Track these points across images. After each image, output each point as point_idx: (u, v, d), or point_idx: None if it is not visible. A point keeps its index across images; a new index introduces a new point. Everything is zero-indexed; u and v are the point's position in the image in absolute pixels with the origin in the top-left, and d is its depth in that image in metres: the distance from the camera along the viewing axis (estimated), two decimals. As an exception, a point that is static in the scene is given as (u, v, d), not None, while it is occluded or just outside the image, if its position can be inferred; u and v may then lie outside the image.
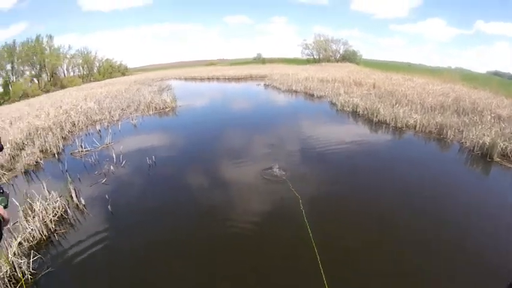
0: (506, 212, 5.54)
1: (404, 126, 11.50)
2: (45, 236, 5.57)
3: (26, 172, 9.43)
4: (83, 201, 6.65)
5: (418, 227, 5.15)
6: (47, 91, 44.22)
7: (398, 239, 4.89)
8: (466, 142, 9.45)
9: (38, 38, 51.85)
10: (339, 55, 64.79)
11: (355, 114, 14.08)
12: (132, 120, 15.06)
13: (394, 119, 11.94)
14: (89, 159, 9.61)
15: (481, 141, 8.81)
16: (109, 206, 6.38)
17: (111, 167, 8.64)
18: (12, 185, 8.52)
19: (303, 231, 4.98)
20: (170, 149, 10.43)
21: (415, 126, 11.26)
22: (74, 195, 6.78)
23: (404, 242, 4.79)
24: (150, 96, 20.41)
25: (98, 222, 5.94)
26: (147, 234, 5.50)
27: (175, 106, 18.02)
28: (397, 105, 13.47)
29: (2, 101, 39.96)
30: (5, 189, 1.85)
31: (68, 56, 58.14)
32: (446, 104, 13.19)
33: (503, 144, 8.56)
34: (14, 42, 48.74)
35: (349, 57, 61.39)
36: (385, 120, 12.19)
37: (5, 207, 1.77)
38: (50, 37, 53.81)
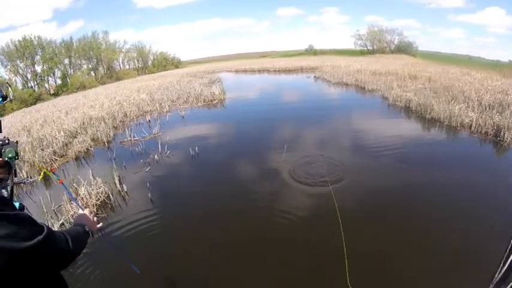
0: None
1: (458, 125, 10.26)
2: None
3: (76, 158, 9.75)
4: (125, 188, 6.69)
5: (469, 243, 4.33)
6: (103, 83, 46.18)
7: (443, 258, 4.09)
8: (526, 147, 8.30)
9: (93, 34, 54.76)
10: (393, 46, 62.23)
11: (407, 109, 13.00)
12: (181, 111, 15.13)
13: (448, 117, 10.76)
14: (136, 148, 9.73)
15: (542, 146, 7.75)
16: (149, 194, 6.35)
17: (156, 156, 8.70)
18: (63, 170, 8.79)
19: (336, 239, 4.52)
20: (214, 140, 10.31)
21: (471, 125, 9.96)
22: (117, 181, 6.84)
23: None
24: (200, 89, 20.52)
25: (137, 209, 5.94)
26: (184, 223, 5.43)
27: (223, 98, 17.92)
28: (453, 101, 12.19)
29: (60, 92, 42.18)
30: (11, 140, 1.88)
31: (123, 50, 60.63)
32: (505, 102, 11.54)
33: None
34: (71, 38, 51.60)
35: (405, 48, 58.72)
36: (439, 117, 11.00)
37: (15, 158, 1.82)
38: (106, 33, 56.63)
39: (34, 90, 41.65)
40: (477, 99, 12.00)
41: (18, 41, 42.95)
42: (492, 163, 7.57)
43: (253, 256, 4.40)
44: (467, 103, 11.72)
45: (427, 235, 4.51)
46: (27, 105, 33.04)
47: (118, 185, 6.79)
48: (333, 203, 5.34)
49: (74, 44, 50.81)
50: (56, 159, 9.64)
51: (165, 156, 8.88)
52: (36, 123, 15.22)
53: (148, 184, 6.69)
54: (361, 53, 61.77)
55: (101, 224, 2.01)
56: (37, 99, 36.51)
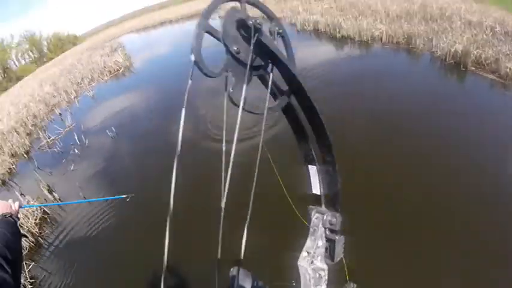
0: (489, 123, 5.18)
1: (369, 39, 10.48)
2: (32, 242, 5.69)
3: (2, 183, 9.37)
4: (57, 196, 6.74)
5: (397, 147, 4.97)
6: (5, 89, 42.54)
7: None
8: (437, 51, 8.43)
9: None
10: None
11: (317, 32, 13.15)
12: (89, 92, 14.67)
13: (358, 33, 10.92)
14: (55, 149, 9.55)
15: (452, 50, 7.86)
16: (80, 193, 6.42)
17: (76, 150, 8.64)
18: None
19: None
20: (129, 114, 10.24)
21: (381, 37, 10.26)
22: (46, 193, 6.86)
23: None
24: (102, 60, 19.61)
25: (75, 213, 6.05)
26: (120, 212, 5.55)
27: (129, 64, 17.40)
28: (360, 17, 12.32)
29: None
30: None
31: (13, 46, 55.41)
32: (412, 11, 11.77)
33: (477, 52, 7.52)
34: None
35: None
36: (349, 34, 11.19)
37: None
38: None
39: None
40: (384, 11, 12.12)
41: None
42: (408, 70, 8.12)
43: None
44: (375, 16, 11.87)
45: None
46: None
47: (49, 196, 6.79)
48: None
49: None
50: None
51: (85, 147, 8.81)
52: None
53: (77, 183, 6.77)
54: None
55: (17, 202, 1.75)
56: None
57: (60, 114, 13.28)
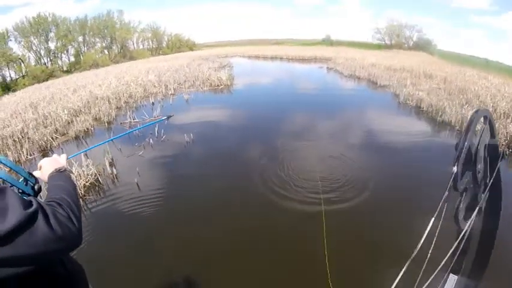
0: None
1: None
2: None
3: (76, 137, 9.90)
4: (115, 171, 6.76)
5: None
6: (116, 62, 46.20)
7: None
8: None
9: (108, 12, 54.39)
10: (412, 42, 60.76)
11: (418, 110, 12.32)
12: (185, 95, 15.16)
13: (460, 121, 10.07)
14: (134, 131, 9.73)
15: None
16: (136, 180, 6.37)
17: (151, 140, 8.72)
18: (62, 148, 8.91)
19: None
20: (212, 127, 10.28)
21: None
22: (107, 164, 6.89)
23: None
24: (208, 73, 20.39)
25: (123, 193, 6.01)
26: (166, 214, 5.39)
27: (230, 84, 17.78)
28: (466, 105, 11.47)
29: (73, 69, 42.47)
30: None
31: (138, 30, 60.40)
32: None
33: None
34: (85, 16, 51.65)
35: (423, 45, 56.59)
36: (450, 121, 10.37)
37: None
38: (121, 12, 56.24)
39: (47, 67, 41.95)
40: (492, 106, 11.29)
41: (33, 17, 42.96)
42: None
43: (243, 252, 4.39)
44: (482, 108, 10.98)
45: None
46: (39, 81, 33.27)
47: (108, 168, 6.84)
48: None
49: (89, 22, 50.83)
50: (56, 137, 9.75)
51: (160, 140, 8.91)
52: (43, 101, 15.40)
53: (137, 169, 6.77)
54: (379, 47, 59.93)
55: (63, 155, 1.68)
56: (49, 75, 36.74)
57: (153, 103, 13.75)
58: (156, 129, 9.28)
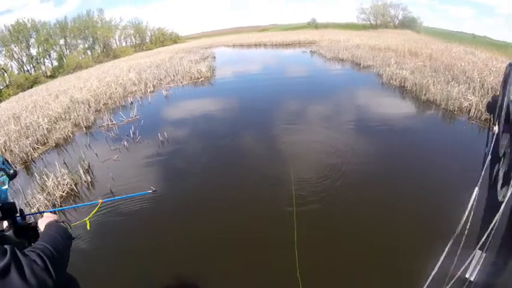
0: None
1: (456, 109, 9.29)
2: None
3: (56, 146, 9.99)
4: (89, 179, 6.93)
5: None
6: (100, 62, 45.96)
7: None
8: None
9: (88, 12, 54.35)
10: (397, 21, 60.60)
11: (402, 89, 12.18)
12: (165, 91, 15.25)
13: (445, 100, 9.81)
14: (111, 133, 9.89)
15: None
16: (109, 185, 6.50)
17: (125, 143, 8.81)
18: (42, 159, 9.07)
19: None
20: (188, 124, 10.29)
21: (469, 110, 9.01)
22: (81, 172, 7.02)
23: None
24: (188, 66, 20.47)
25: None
26: (137, 219, 5.40)
27: (210, 76, 17.86)
28: (452, 81, 11.25)
29: (57, 74, 42.35)
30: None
31: (119, 28, 60.09)
32: None
33: None
34: (65, 18, 51.60)
35: (409, 24, 56.27)
36: (435, 99, 10.16)
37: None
38: (101, 10, 56.34)
39: (30, 74, 41.81)
40: (479, 81, 11.03)
41: (11, 25, 42.84)
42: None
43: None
44: (468, 84, 10.82)
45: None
46: (23, 89, 33.22)
47: (83, 176, 6.97)
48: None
49: (69, 24, 50.58)
50: (38, 147, 9.89)
51: (135, 142, 9.00)
52: (26, 110, 15.43)
53: (111, 174, 6.92)
54: (364, 27, 59.63)
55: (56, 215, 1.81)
56: (34, 82, 36.61)
57: (131, 103, 13.79)
58: (132, 130, 9.44)
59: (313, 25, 70.15)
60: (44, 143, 10.27)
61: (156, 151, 8.20)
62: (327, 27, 61.63)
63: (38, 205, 5.92)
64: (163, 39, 67.27)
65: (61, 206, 6.06)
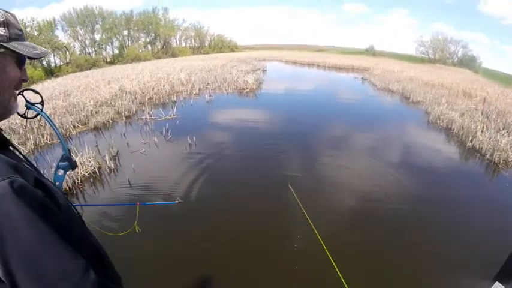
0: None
1: (502, 162, 8.31)
2: (68, 187, 6.11)
3: (95, 128, 10.41)
4: (113, 165, 7.16)
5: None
6: (158, 57, 47.84)
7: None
8: None
9: (154, 9, 56.84)
10: (456, 58, 59.00)
11: (448, 131, 11.33)
12: (208, 96, 15.53)
13: (491, 150, 8.82)
14: (147, 127, 10.24)
15: None
16: (127, 176, 6.68)
17: (156, 139, 9.03)
18: (79, 137, 9.47)
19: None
20: (219, 132, 10.30)
21: None
22: (107, 159, 7.25)
23: None
24: (237, 75, 20.80)
25: (115, 188, 6.34)
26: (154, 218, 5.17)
27: (256, 88, 17.99)
28: (503, 131, 10.33)
29: (116, 61, 44.25)
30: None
31: (181, 28, 62.28)
32: None
33: None
34: (131, 11, 54.54)
35: (467, 62, 54.62)
36: (481, 148, 9.25)
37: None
38: (166, 9, 58.87)
39: (91, 56, 44.03)
40: None
41: (80, 9, 45.64)
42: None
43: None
44: None
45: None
46: (82, 70, 35.03)
47: (108, 162, 7.20)
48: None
49: (134, 18, 53.11)
50: (78, 126, 10.37)
51: (166, 139, 9.19)
52: (77, 90, 16.26)
53: (133, 166, 7.11)
54: (422, 60, 58.32)
55: None
56: (93, 65, 38.49)
57: (174, 102, 14.21)
58: (165, 128, 9.67)
59: (371, 52, 69.57)
60: (84, 123, 10.75)
61: (181, 152, 8.31)
62: (383, 56, 60.96)
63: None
64: (221, 45, 68.98)
65: (80, 185, 6.32)
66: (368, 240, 4.81)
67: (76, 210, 1.27)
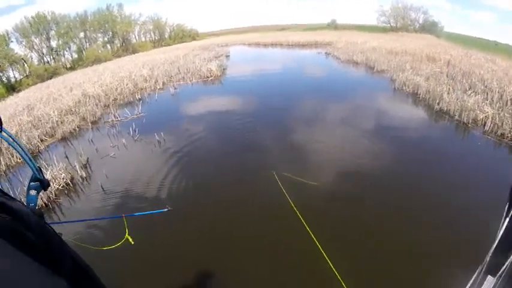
0: None
1: (470, 121, 8.71)
2: (44, 203, 6.18)
3: (62, 139, 10.42)
4: (84, 174, 7.25)
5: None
6: (119, 56, 46.86)
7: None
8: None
9: (108, 7, 55.43)
10: (418, 25, 59.60)
11: (414, 96, 11.63)
12: (173, 89, 15.58)
13: (459, 110, 9.17)
14: (114, 130, 10.31)
15: None
16: (99, 182, 6.77)
17: (124, 141, 9.07)
18: (48, 151, 9.45)
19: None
20: (186, 124, 10.31)
21: (485, 123, 8.46)
22: (78, 168, 7.35)
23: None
24: (200, 64, 20.75)
25: (88, 197, 6.45)
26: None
27: (219, 75, 18.04)
28: (469, 91, 10.77)
29: (76, 66, 43.29)
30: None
31: (139, 23, 60.96)
32: None
33: None
34: (85, 12, 52.87)
35: (429, 28, 55.06)
36: (449, 110, 9.58)
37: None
38: (120, 5, 57.35)
39: (50, 65, 42.96)
40: (498, 91, 10.47)
41: (32, 17, 44.27)
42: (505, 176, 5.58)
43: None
44: (486, 94, 10.33)
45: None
46: (43, 80, 34.12)
47: (79, 171, 7.28)
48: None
49: (89, 18, 51.81)
50: (46, 139, 10.32)
51: (134, 139, 9.25)
52: (40, 101, 16.02)
53: (105, 171, 7.19)
54: (384, 30, 58.49)
55: None
56: (53, 73, 37.58)
57: (139, 99, 14.20)
58: (132, 128, 9.73)
59: (333, 26, 69.45)
60: (52, 135, 10.70)
61: (150, 150, 8.38)
62: (346, 29, 61.08)
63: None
64: (182, 35, 67.71)
65: (55, 199, 6.41)
66: (353, 217, 5.07)
67: (51, 228, 1.28)
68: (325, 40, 35.28)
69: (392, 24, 61.67)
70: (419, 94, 11.60)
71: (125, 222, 3.29)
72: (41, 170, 1.82)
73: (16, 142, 1.71)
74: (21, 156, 1.74)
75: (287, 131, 8.85)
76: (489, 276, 1.51)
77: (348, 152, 7.27)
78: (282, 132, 8.83)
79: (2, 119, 1.53)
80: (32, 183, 1.80)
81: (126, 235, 3.33)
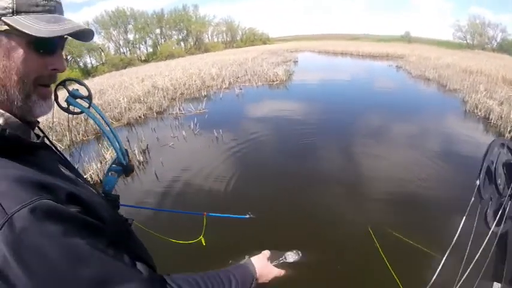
0: None
1: None
2: (99, 179, 6.43)
3: (128, 124, 10.83)
4: (142, 159, 7.42)
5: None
6: (191, 54, 48.63)
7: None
8: None
9: (184, 7, 58.27)
10: (495, 43, 55.86)
11: (486, 121, 10.42)
12: (238, 89, 15.66)
13: None
14: (176, 122, 10.50)
15: None
16: (153, 169, 6.85)
17: (184, 133, 9.19)
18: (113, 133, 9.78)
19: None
20: (245, 125, 10.15)
21: None
22: (137, 153, 7.54)
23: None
24: (267, 68, 20.73)
25: (142, 183, 6.53)
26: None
27: (286, 79, 17.83)
28: None
29: (150, 59, 45.37)
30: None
31: (212, 24, 63.11)
32: None
33: None
34: (162, 10, 55.69)
35: (507, 48, 51.61)
36: None
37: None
38: (196, 6, 60.21)
39: (126, 56, 45.46)
40: None
41: (112, 11, 47.59)
42: None
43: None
44: None
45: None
46: (117, 69, 36.23)
47: (137, 155, 7.47)
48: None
49: (165, 16, 54.56)
50: (112, 123, 10.71)
51: (194, 133, 9.36)
52: (112, 88, 16.83)
53: (161, 159, 7.31)
54: (459, 46, 55.32)
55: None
56: (128, 64, 39.72)
57: (204, 96, 14.38)
58: (193, 122, 9.81)
59: (406, 39, 67.34)
60: (118, 120, 11.13)
61: (208, 146, 8.37)
62: (420, 43, 58.74)
63: (90, 172, 6.51)
64: (253, 38, 68.92)
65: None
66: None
67: (122, 216, 1.20)
68: (397, 53, 33.93)
69: (468, 41, 58.48)
70: (491, 119, 10.33)
71: (204, 221, 2.83)
72: (127, 153, 1.67)
73: (105, 121, 1.63)
74: (108, 137, 1.64)
75: (352, 144, 8.25)
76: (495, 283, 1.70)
77: (414, 173, 6.50)
78: (346, 151, 7.88)
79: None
80: (113, 166, 1.67)
81: (202, 235, 2.96)
